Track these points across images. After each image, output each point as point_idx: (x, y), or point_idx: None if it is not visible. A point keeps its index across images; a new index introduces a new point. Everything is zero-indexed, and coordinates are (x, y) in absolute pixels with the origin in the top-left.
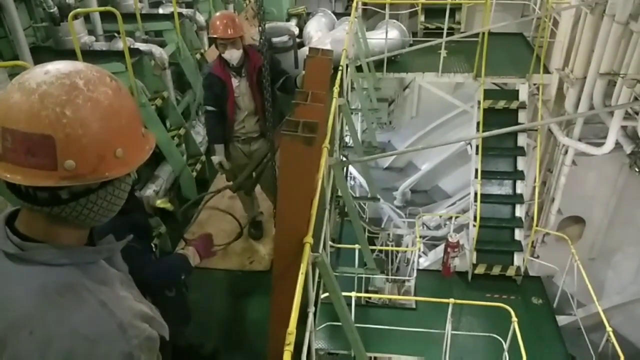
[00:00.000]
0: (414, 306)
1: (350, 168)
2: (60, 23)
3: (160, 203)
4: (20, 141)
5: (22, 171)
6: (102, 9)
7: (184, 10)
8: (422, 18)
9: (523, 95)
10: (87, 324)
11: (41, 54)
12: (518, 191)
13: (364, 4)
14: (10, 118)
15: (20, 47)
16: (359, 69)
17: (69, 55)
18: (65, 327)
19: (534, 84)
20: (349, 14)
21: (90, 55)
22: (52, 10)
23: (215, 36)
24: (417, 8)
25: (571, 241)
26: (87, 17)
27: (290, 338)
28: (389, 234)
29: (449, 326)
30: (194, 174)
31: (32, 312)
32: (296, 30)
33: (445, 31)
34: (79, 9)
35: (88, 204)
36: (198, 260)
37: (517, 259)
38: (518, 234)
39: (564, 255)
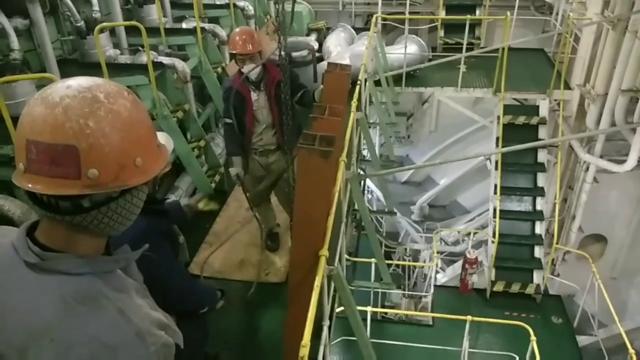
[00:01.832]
0: (430, 323)
1: (368, 182)
2: (87, 36)
3: (204, 206)
4: (45, 152)
5: (46, 181)
6: (127, 23)
7: (207, 25)
8: (441, 33)
9: (543, 111)
10: (106, 331)
11: (68, 67)
12: (538, 208)
13: (384, 19)
14: (34, 130)
15: (48, 59)
16: (377, 83)
17: (95, 67)
18: (85, 335)
19: (555, 100)
20: (368, 29)
21: (115, 68)
22: (79, 24)
23: (234, 52)
24: (436, 23)
25: (592, 260)
26: (112, 31)
27: (304, 351)
28: (406, 249)
29: (466, 344)
30: (213, 185)
31: (52, 320)
32: (316, 45)
33: (464, 46)
34: (104, 23)
35: (109, 212)
36: None
37: (537, 277)
38: (538, 252)
39: (584, 274)
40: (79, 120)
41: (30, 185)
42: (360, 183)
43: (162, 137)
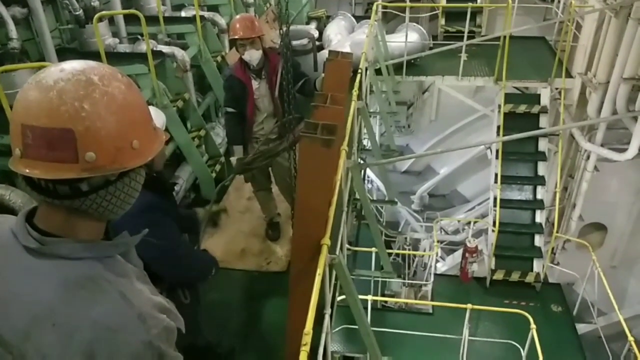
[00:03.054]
0: (430, 311)
1: (368, 171)
2: (85, 25)
3: (216, 208)
4: (41, 136)
5: (44, 165)
6: (126, 11)
7: (206, 14)
8: (442, 21)
9: (545, 100)
10: (108, 315)
11: (66, 56)
12: (538, 197)
13: (384, 7)
14: (30, 115)
15: (46, 48)
16: (378, 72)
17: (94, 56)
18: (87, 318)
19: (556, 88)
20: (369, 17)
21: (114, 57)
22: (77, 13)
23: (235, 37)
24: (437, 11)
25: (592, 248)
26: (111, 20)
27: (307, 338)
28: (406, 238)
29: (466, 332)
30: (214, 174)
31: (54, 305)
32: (316, 34)
33: (465, 34)
34: (103, 12)
35: (107, 196)
36: None
37: (537, 266)
38: (538, 240)
39: (584, 263)
40: (74, 103)
41: (27, 170)
42: (360, 172)
43: (152, 112)
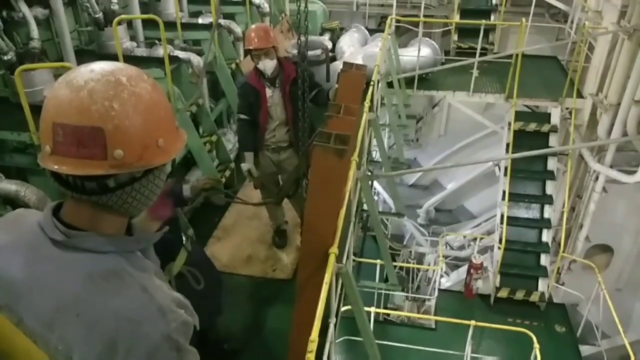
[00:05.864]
0: (433, 326)
1: (375, 183)
2: (105, 28)
3: (205, 184)
4: (72, 134)
5: (73, 162)
6: (145, 16)
7: (222, 21)
8: (455, 37)
9: (555, 119)
10: (130, 307)
11: (84, 57)
12: (546, 215)
13: (398, 21)
14: (61, 113)
15: (65, 49)
16: (389, 84)
17: (111, 59)
18: (109, 310)
19: (567, 108)
20: (382, 31)
21: (131, 61)
22: (97, 16)
23: (250, 47)
24: (450, 27)
25: (598, 270)
26: (129, 24)
27: (312, 346)
28: (410, 252)
29: (468, 349)
30: (223, 180)
31: (79, 296)
32: (329, 45)
33: (478, 51)
34: (123, 16)
35: (132, 192)
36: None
37: (542, 285)
38: (544, 259)
39: (590, 284)
40: (104, 102)
41: (56, 167)
42: (369, 183)
43: None
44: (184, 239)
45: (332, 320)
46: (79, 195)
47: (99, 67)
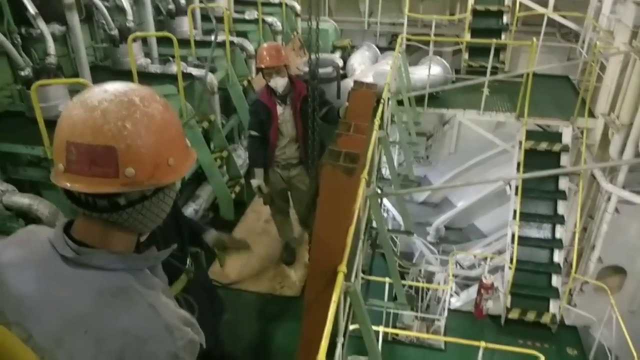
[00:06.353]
0: (442, 347)
1: (384, 200)
2: (120, 45)
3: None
4: (85, 153)
5: (86, 180)
6: (159, 34)
7: (235, 39)
8: (465, 56)
9: (566, 138)
10: (138, 324)
11: (99, 73)
12: (557, 236)
13: (408, 40)
14: (75, 133)
15: (81, 65)
16: (399, 102)
17: (125, 75)
18: (117, 327)
19: (578, 128)
20: (392, 49)
21: (145, 77)
22: (112, 33)
23: (262, 66)
24: (461, 46)
25: (611, 292)
26: (144, 41)
27: None
28: (420, 270)
29: None
30: (233, 195)
31: (87, 313)
32: (340, 62)
33: (489, 70)
34: (138, 33)
35: (142, 210)
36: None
37: (553, 306)
38: (555, 280)
39: (602, 306)
40: (117, 122)
41: (69, 185)
42: (378, 201)
43: None
44: (188, 262)
45: (340, 339)
46: (90, 213)
47: (113, 87)
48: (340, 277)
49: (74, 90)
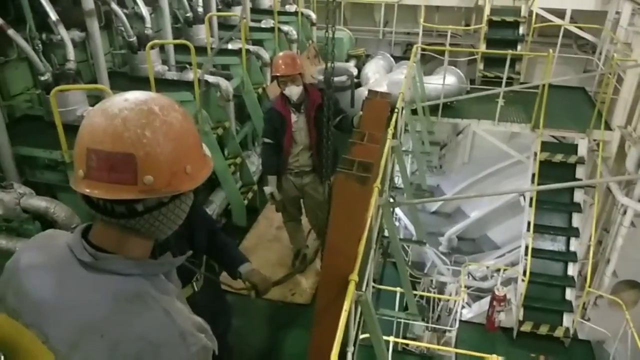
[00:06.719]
0: (453, 358)
1: (397, 209)
2: (138, 51)
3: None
4: (105, 160)
5: (105, 186)
6: (177, 41)
7: (251, 47)
8: (480, 66)
9: (582, 150)
10: (152, 330)
11: (117, 79)
12: (572, 249)
13: (423, 49)
14: (95, 140)
15: (99, 71)
16: (413, 111)
17: (143, 81)
18: (132, 332)
19: (594, 140)
20: (407, 58)
21: (162, 84)
22: (131, 40)
23: (277, 74)
24: (476, 56)
25: (626, 306)
26: (162, 48)
27: None
28: (431, 280)
29: None
30: (246, 202)
31: (103, 317)
32: (355, 71)
33: (504, 81)
34: (156, 40)
35: (159, 216)
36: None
37: (567, 320)
38: (569, 294)
39: (617, 321)
40: (136, 130)
41: (88, 191)
42: (391, 210)
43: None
44: (197, 275)
45: (350, 348)
46: (108, 218)
47: (133, 96)
48: (351, 286)
49: (92, 96)
